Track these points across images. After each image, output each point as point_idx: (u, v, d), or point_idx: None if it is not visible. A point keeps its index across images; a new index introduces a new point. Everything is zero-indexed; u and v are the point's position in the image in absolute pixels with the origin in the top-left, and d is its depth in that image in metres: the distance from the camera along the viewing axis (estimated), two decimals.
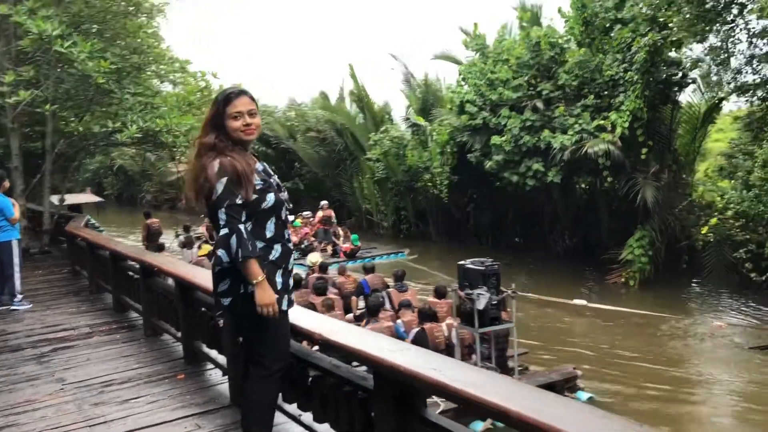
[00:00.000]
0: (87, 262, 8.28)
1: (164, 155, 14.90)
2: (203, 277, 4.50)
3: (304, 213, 19.99)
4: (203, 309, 4.65)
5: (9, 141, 11.38)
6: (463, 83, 18.68)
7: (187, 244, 15.59)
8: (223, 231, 2.85)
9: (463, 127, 17.80)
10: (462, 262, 8.98)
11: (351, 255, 17.23)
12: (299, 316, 3.22)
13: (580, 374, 8.97)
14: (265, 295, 2.88)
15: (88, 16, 11.19)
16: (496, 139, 16.28)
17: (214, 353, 4.53)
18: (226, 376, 4.32)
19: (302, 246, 17.90)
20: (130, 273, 6.50)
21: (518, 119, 16.01)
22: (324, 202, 19.39)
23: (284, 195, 3.13)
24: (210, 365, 4.74)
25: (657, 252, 15.02)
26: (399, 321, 8.88)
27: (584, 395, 8.55)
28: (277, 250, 3.02)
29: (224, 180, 2.86)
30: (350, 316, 10.01)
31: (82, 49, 9.62)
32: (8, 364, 5.33)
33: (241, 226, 2.85)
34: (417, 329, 8.35)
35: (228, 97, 3.00)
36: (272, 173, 3.16)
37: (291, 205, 3.24)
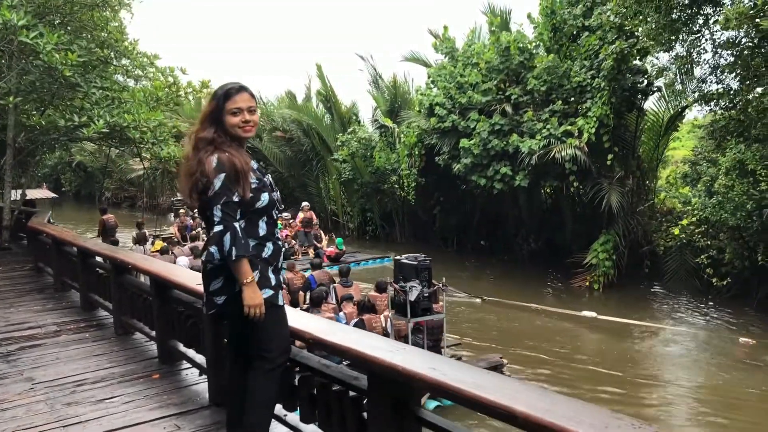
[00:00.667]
0: (52, 259, 8.04)
1: (127, 152, 14.55)
2: (181, 275, 4.42)
3: (284, 214, 19.34)
4: (180, 307, 4.56)
5: None
6: (432, 86, 18.75)
7: (140, 241, 15.59)
8: (218, 228, 2.80)
9: (432, 130, 17.87)
10: (398, 257, 9.74)
11: (335, 259, 16.83)
12: (290, 316, 3.17)
13: (506, 362, 9.88)
14: (254, 296, 2.85)
15: (54, 7, 10.89)
16: (464, 142, 16.38)
17: (191, 352, 4.43)
18: (204, 376, 4.24)
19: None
20: (100, 270, 6.34)
21: (487, 123, 16.14)
22: (305, 204, 18.81)
23: (276, 195, 3.11)
24: (186, 364, 4.65)
25: (620, 256, 15.30)
26: (341, 313, 9.44)
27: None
28: (269, 248, 3.01)
29: (222, 176, 2.82)
30: (297, 309, 10.14)
31: (48, 40, 9.35)
32: None
33: (236, 224, 2.82)
34: (356, 320, 8.93)
35: (228, 92, 2.96)
36: (265, 172, 3.14)
37: (282, 206, 3.22)
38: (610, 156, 14.96)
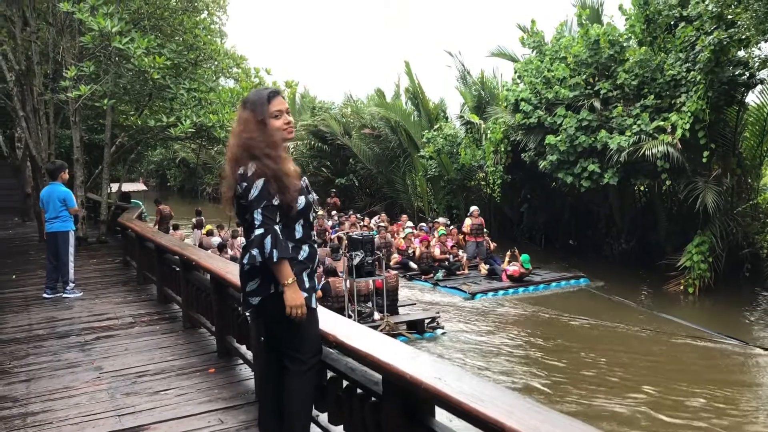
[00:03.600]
0: (136, 254, 8.51)
1: (222, 149, 15.16)
2: (236, 274, 4.56)
3: (440, 219, 18.81)
4: (235, 305, 4.71)
5: (72, 133, 11.83)
6: (518, 81, 18.38)
7: (197, 226, 17.71)
8: (259, 231, 2.88)
9: (518, 126, 17.51)
10: (350, 234, 12.81)
11: (518, 279, 15.08)
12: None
13: (439, 317, 12.01)
14: (295, 297, 2.93)
15: (147, 13, 11.50)
16: (551, 139, 15.95)
17: (243, 348, 4.58)
18: (254, 372, 4.36)
19: (447, 262, 16.15)
20: (173, 266, 6.64)
21: (574, 119, 15.63)
22: (474, 208, 17.05)
23: (312, 197, 3.16)
24: (240, 360, 4.79)
25: (717, 259, 14.44)
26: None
27: (439, 331, 11.61)
28: (305, 251, 3.08)
29: (262, 180, 2.90)
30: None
31: (139, 45, 9.90)
32: (53, 350, 5.52)
33: (277, 227, 2.89)
34: (323, 282, 11.08)
35: (269, 96, 3.03)
36: (302, 175, 3.19)
37: (318, 209, 3.27)
38: (706, 153, 14.12)
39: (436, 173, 22.02)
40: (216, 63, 12.59)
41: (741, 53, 13.96)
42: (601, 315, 12.80)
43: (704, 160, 14.16)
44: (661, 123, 14.38)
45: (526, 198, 20.81)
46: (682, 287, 14.58)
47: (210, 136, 11.99)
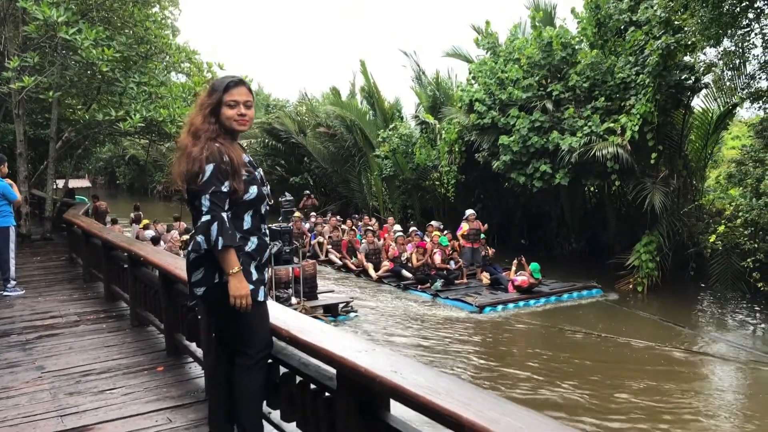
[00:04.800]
0: (82, 251, 8.25)
1: (172, 146, 14.82)
2: (184, 268, 4.44)
3: (433, 223, 17.30)
4: (184, 301, 4.58)
5: (15, 127, 11.40)
6: (473, 82, 18.53)
7: (135, 221, 17.94)
8: (205, 217, 2.80)
9: (472, 126, 17.64)
10: (271, 226, 12.55)
11: (526, 290, 13.78)
12: (270, 312, 3.13)
13: (352, 301, 12.81)
14: (240, 287, 2.85)
15: (96, 4, 11.16)
16: (504, 139, 16.12)
17: (193, 346, 4.46)
18: (204, 370, 4.25)
19: (446, 271, 14.61)
20: (121, 262, 6.45)
21: (527, 119, 15.84)
22: (470, 212, 15.53)
23: (266, 190, 3.10)
24: (189, 358, 4.67)
25: (664, 258, 14.82)
26: None
27: (353, 315, 12.24)
28: (253, 242, 3.00)
29: (212, 166, 2.82)
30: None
31: (87, 36, 9.60)
32: None
33: (224, 214, 2.82)
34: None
35: (228, 84, 2.97)
36: (257, 166, 3.14)
37: (272, 201, 3.21)
38: (654, 155, 14.48)
39: (391, 173, 22.03)
40: (167, 57, 12.31)
41: (687, 58, 14.35)
42: (636, 334, 11.49)
43: (652, 161, 14.51)
44: (611, 125, 14.68)
45: (479, 198, 20.99)
46: (631, 286, 14.89)
47: (161, 131, 11.72)
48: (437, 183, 21.02)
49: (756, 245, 12.67)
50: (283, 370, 3.22)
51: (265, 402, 3.29)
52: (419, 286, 14.66)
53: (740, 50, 12.41)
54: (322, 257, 17.76)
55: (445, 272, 14.72)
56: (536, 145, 15.60)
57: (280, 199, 25.71)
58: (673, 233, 14.96)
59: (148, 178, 44.38)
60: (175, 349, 4.86)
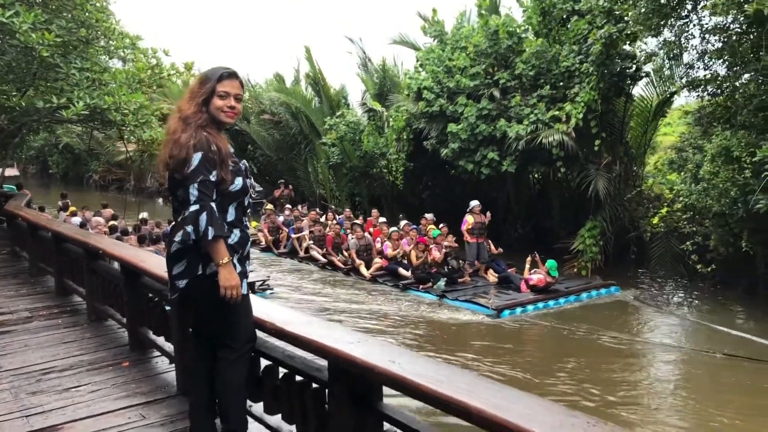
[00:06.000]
0: (27, 244, 7.93)
1: (110, 134, 14.33)
2: (151, 262, 4.33)
3: (428, 215, 16.29)
4: (150, 294, 4.47)
5: None
6: (420, 69, 18.58)
7: (63, 208, 17.89)
8: (194, 207, 2.75)
9: (420, 114, 17.71)
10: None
11: (542, 290, 12.62)
12: (254, 305, 3.09)
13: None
14: (230, 277, 2.81)
15: None
16: (452, 127, 16.25)
17: (161, 340, 4.36)
18: (173, 364, 4.16)
19: (447, 268, 13.57)
20: (74, 255, 6.23)
21: (475, 108, 16.01)
22: (475, 203, 14.52)
23: (250, 181, 3.09)
24: (156, 353, 4.57)
25: (607, 242, 15.28)
26: None
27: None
28: (236, 235, 2.97)
29: (200, 155, 2.78)
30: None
31: (25, 19, 9.16)
32: None
33: (213, 204, 2.77)
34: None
35: (221, 75, 2.94)
36: (240, 158, 3.12)
37: (255, 193, 3.19)
38: (597, 142, 14.87)
39: (339, 160, 21.93)
40: (109, 42, 11.88)
41: (629, 47, 14.76)
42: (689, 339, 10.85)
43: (596, 148, 14.90)
44: (557, 112, 14.97)
45: (427, 185, 21.13)
46: (575, 269, 15.30)
47: (104, 119, 11.32)
48: (385, 171, 21.04)
49: (694, 229, 13.21)
50: (264, 362, 3.19)
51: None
52: (420, 286, 13.37)
53: (679, 40, 12.82)
54: (302, 254, 16.67)
55: (447, 269, 13.57)
56: (484, 132, 15.79)
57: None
58: (615, 218, 15.43)
59: (83, 168, 42.88)
60: (139, 344, 4.74)
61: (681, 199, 13.28)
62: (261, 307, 3.09)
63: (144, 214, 16.38)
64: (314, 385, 2.82)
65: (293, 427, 2.99)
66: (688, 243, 13.34)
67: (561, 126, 14.73)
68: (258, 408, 3.27)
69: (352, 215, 18.56)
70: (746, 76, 11.86)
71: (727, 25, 11.74)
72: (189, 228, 2.75)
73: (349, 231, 16.07)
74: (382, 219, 16.84)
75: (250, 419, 3.23)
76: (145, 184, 34.29)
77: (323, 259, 16.01)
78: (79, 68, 10.49)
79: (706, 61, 12.51)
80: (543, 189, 18.94)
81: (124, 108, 10.69)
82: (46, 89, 11.21)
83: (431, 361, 2.33)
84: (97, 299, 5.51)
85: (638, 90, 15.94)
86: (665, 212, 13.74)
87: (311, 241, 16.56)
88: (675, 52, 12.88)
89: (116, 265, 5.20)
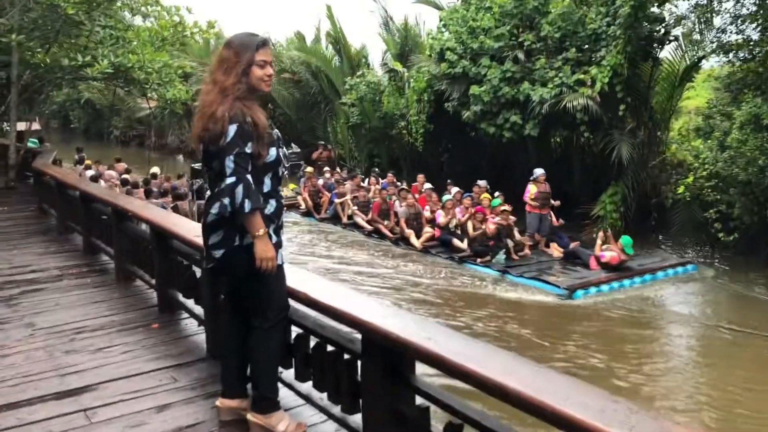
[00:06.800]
0: (56, 202, 8.03)
1: (135, 92, 14.31)
2: (180, 225, 4.38)
3: (480, 182, 15.08)
4: (179, 257, 4.53)
5: None
6: (443, 30, 18.29)
7: (79, 162, 18.08)
8: (231, 180, 2.75)
9: (442, 75, 17.50)
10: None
11: (615, 268, 11.64)
12: (288, 274, 3.12)
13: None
14: (266, 249, 2.82)
15: None
16: (475, 89, 16.06)
17: (190, 303, 4.43)
18: (203, 327, 4.24)
19: (509, 239, 12.55)
20: (102, 215, 6.30)
21: (498, 70, 15.78)
22: (540, 171, 13.62)
23: (284, 151, 3.09)
24: (185, 315, 4.64)
25: (628, 208, 15.17)
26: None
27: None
28: (272, 205, 2.97)
29: (235, 126, 2.76)
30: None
31: None
32: None
33: (249, 176, 2.77)
34: (172, 204, 12.31)
35: (259, 43, 2.91)
36: (273, 126, 3.10)
37: (289, 163, 3.19)
38: (622, 107, 14.65)
39: (358, 121, 21.81)
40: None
41: (657, 10, 14.41)
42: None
43: (620, 113, 14.70)
44: (582, 76, 14.74)
45: (447, 148, 20.99)
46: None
47: (128, 77, 11.31)
48: (405, 132, 20.93)
49: (718, 197, 13.06)
50: (296, 330, 3.24)
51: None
52: (478, 260, 12.41)
53: (711, 3, 12.52)
54: (345, 220, 15.84)
55: (508, 241, 12.61)
56: (507, 95, 15.60)
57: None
58: (638, 184, 15.29)
59: (104, 123, 43.03)
60: (168, 306, 4.82)
61: (706, 166, 13.09)
62: (295, 277, 3.12)
63: (155, 169, 16.34)
64: (346, 356, 2.86)
65: (324, 395, 3.05)
66: (711, 211, 13.21)
67: (586, 90, 14.51)
68: (288, 375, 3.32)
69: (395, 180, 17.32)
70: None
71: None
72: (226, 200, 2.76)
73: (395, 197, 15.32)
74: (428, 185, 15.72)
75: (280, 385, 3.30)
76: (166, 141, 34.35)
77: (369, 227, 15.07)
78: (103, 26, 10.48)
79: (738, 25, 12.23)
80: (565, 154, 18.73)
81: (148, 66, 10.66)
82: (71, 46, 11.20)
83: (468, 339, 2.36)
84: (126, 260, 5.59)
85: (666, 54, 15.63)
86: (691, 180, 13.55)
87: (355, 207, 15.66)
88: (707, 15, 12.57)
89: (144, 226, 5.27)
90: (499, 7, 16.46)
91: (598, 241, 12.09)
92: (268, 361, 3.09)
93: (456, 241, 13.10)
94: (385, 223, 14.76)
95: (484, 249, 12.48)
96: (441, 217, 13.72)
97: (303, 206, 17.23)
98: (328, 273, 11.96)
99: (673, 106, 16.24)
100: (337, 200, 16.24)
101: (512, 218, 13.09)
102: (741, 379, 7.97)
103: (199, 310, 4.26)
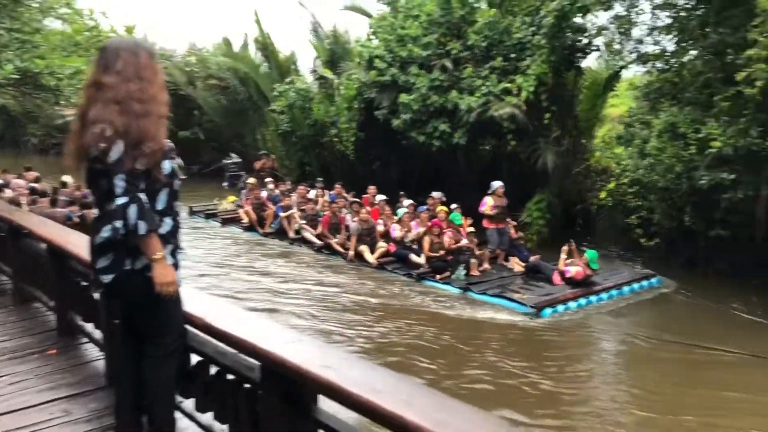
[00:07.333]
0: None
1: (48, 98, 13.68)
2: (78, 244, 4.06)
3: (435, 194, 14.53)
4: (78, 278, 4.22)
5: None
6: (372, 37, 18.25)
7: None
8: (122, 200, 2.48)
9: (372, 83, 17.44)
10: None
11: (579, 284, 11.08)
12: (184, 297, 2.90)
13: None
14: (165, 273, 2.60)
15: None
16: (404, 98, 16.05)
17: (90, 327, 4.13)
18: (103, 353, 3.94)
19: (463, 256, 11.96)
20: None
21: (427, 78, 15.82)
22: (498, 184, 13.14)
23: (178, 161, 2.82)
24: (85, 339, 4.32)
25: (554, 215, 15.43)
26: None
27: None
28: (167, 224, 2.73)
29: (123, 142, 2.49)
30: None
31: None
32: None
33: (142, 195, 2.52)
34: None
35: (149, 51, 2.70)
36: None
37: (185, 176, 2.94)
38: (547, 115, 14.94)
39: (288, 128, 21.50)
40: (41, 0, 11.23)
41: (580, 20, 14.74)
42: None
43: (546, 121, 14.97)
44: (508, 85, 14.91)
45: (378, 156, 20.92)
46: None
47: (37, 83, 10.73)
48: (336, 140, 20.75)
49: (640, 203, 13.42)
50: (196, 357, 3.01)
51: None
52: (437, 276, 11.81)
53: (629, 15, 12.87)
54: (292, 235, 14.95)
55: (468, 254, 12.03)
56: (436, 104, 15.64)
57: (223, 160, 24.50)
58: (563, 191, 15.58)
59: (20, 130, 41.11)
60: (68, 330, 4.48)
61: (627, 173, 13.45)
62: (191, 300, 2.89)
63: (66, 178, 15.19)
64: (246, 385, 2.65)
65: (225, 427, 2.84)
66: (633, 216, 13.57)
67: (512, 99, 14.69)
68: (189, 404, 3.09)
69: (344, 191, 16.64)
70: (693, 52, 12.00)
71: (676, 1, 11.82)
72: (118, 223, 2.51)
73: (345, 209, 14.71)
74: (382, 196, 14.95)
75: (180, 415, 3.06)
76: None
77: (318, 242, 14.19)
78: (8, 28, 9.87)
79: (655, 37, 12.62)
80: (493, 162, 18.94)
81: (59, 73, 10.14)
82: None
83: (372, 366, 2.20)
84: (24, 280, 5.19)
85: (589, 63, 16.05)
86: (613, 186, 13.92)
87: (303, 221, 14.82)
88: (625, 26, 12.93)
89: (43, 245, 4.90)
90: (427, 15, 16.52)
91: (563, 255, 11.57)
92: (164, 391, 2.86)
93: (413, 257, 12.48)
94: (336, 237, 13.91)
95: (443, 264, 12.00)
96: (396, 231, 13.15)
97: (245, 220, 16.26)
98: (275, 292, 11.21)
99: (596, 114, 16.67)
100: (282, 214, 15.36)
101: (475, 240, 12.65)
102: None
103: (99, 334, 3.97)
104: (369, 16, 20.03)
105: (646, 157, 12.26)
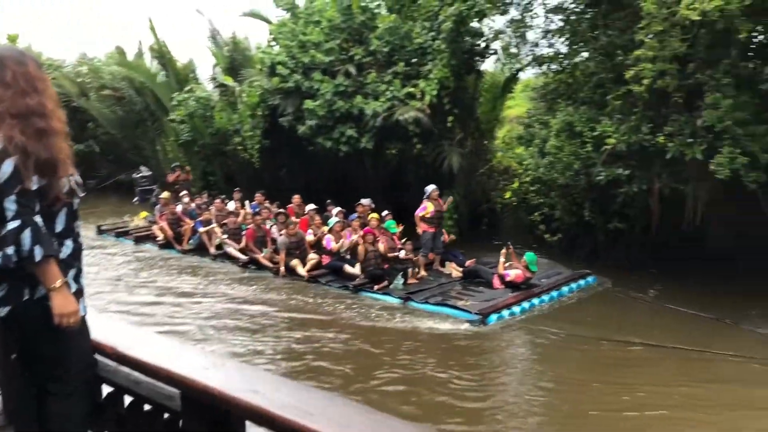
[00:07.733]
0: None
1: None
2: None
3: (364, 201, 14.17)
4: None
5: None
6: (273, 44, 18.02)
7: None
8: (14, 224, 2.26)
9: (275, 90, 17.20)
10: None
11: (521, 286, 11.15)
12: (92, 325, 2.70)
13: None
14: (66, 303, 2.38)
15: None
16: (309, 104, 15.93)
17: None
18: (0, 391, 3.63)
19: (398, 263, 11.93)
20: None
21: (331, 84, 15.77)
22: (432, 188, 12.99)
23: (76, 179, 2.60)
24: None
25: (461, 215, 15.76)
26: None
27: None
28: (68, 247, 2.52)
29: (14, 159, 2.28)
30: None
31: None
32: None
33: (37, 218, 2.30)
34: None
35: (35, 60, 2.48)
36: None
37: (84, 192, 2.73)
38: (450, 118, 15.23)
39: (189, 138, 20.87)
40: None
41: (478, 25, 15.15)
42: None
43: (449, 124, 15.27)
44: (412, 89, 15.11)
45: (285, 163, 20.68)
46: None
47: None
48: (240, 148, 20.33)
49: (542, 200, 13.92)
50: (108, 388, 2.82)
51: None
52: (375, 287, 11.43)
53: (524, 19, 13.35)
54: (214, 251, 14.28)
55: (406, 263, 11.90)
56: (341, 109, 15.63)
57: (134, 175, 23.19)
58: (469, 192, 15.95)
59: None
60: None
61: (529, 172, 13.92)
62: (100, 328, 2.70)
63: None
64: (166, 415, 2.50)
65: None
66: (536, 214, 14.06)
67: (416, 103, 14.89)
68: None
69: (266, 201, 16.05)
70: (585, 54, 12.57)
71: (567, 5, 12.36)
72: (10, 250, 2.28)
73: (269, 221, 14.20)
74: (311, 206, 14.53)
75: None
76: None
77: (243, 257, 13.59)
78: None
79: (549, 39, 13.14)
80: (400, 165, 19.15)
81: None
82: None
83: (302, 387, 2.12)
84: None
85: (488, 66, 16.51)
86: (517, 186, 14.37)
87: (225, 236, 14.22)
88: (521, 30, 13.39)
89: None
90: (328, 21, 16.49)
91: (501, 259, 11.44)
92: (73, 430, 2.65)
93: (347, 267, 12.01)
94: (263, 252, 13.40)
95: (380, 273, 11.60)
96: (332, 243, 12.58)
97: (161, 237, 15.37)
98: (196, 315, 10.68)
99: (496, 116, 17.17)
100: (201, 229, 14.68)
101: (410, 247, 12.48)
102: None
103: None
104: (269, 22, 19.76)
105: (545, 156, 12.73)
